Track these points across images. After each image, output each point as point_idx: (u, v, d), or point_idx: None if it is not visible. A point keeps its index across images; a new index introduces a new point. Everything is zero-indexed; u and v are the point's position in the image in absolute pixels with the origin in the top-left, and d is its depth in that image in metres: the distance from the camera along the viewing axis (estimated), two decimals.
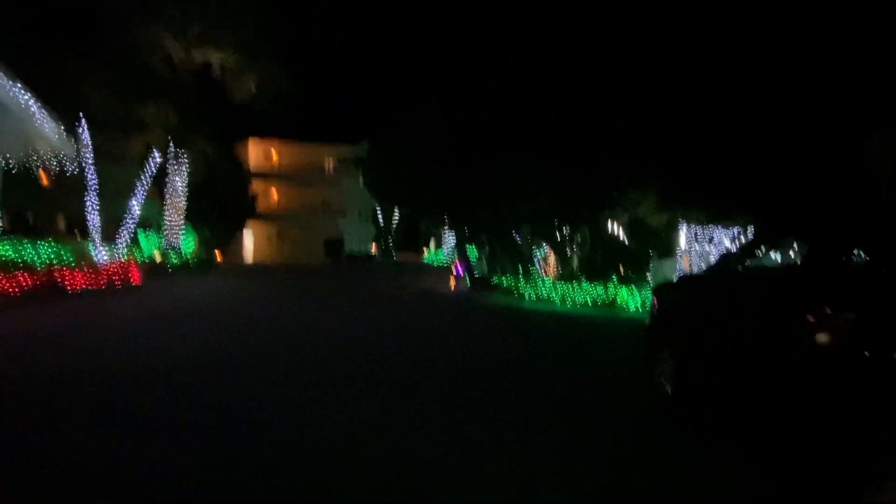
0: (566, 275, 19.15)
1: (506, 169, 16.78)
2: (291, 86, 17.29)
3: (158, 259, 15.00)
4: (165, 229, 16.81)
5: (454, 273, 21.19)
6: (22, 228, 23.54)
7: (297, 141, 32.65)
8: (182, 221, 17.21)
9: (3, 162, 11.62)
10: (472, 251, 25.04)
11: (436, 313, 13.13)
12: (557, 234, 20.32)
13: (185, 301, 11.65)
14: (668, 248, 21.71)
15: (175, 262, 15.39)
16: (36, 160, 11.89)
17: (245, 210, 29.11)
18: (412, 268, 36.87)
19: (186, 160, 16.96)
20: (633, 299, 17.18)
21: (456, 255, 23.73)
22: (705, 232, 22.62)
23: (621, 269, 19.78)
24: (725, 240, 23.08)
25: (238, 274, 20.57)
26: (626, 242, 21.18)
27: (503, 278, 18.92)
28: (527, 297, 17.53)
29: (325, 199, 33.82)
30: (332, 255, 31.57)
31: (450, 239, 45.24)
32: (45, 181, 23.29)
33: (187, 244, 18.27)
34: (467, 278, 20.71)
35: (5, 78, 10.19)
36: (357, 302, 14.22)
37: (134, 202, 13.88)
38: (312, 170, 33.20)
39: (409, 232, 61.67)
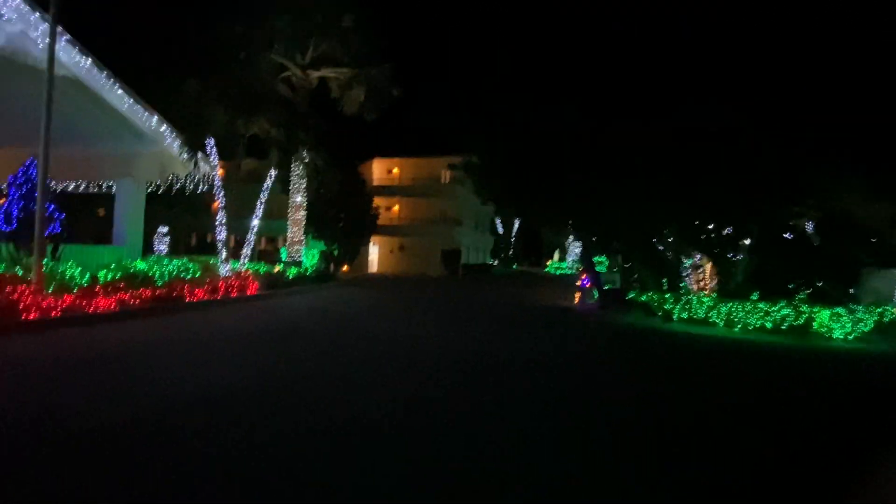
0: (731, 289, 14.80)
1: (646, 156, 13.61)
2: (399, 92, 16.75)
3: (276, 270, 15.54)
4: (288, 244, 17.57)
5: (579, 285, 18.28)
6: (185, 247, 27.85)
7: (416, 156, 33.20)
8: (302, 236, 17.82)
9: (148, 185, 12.93)
10: (601, 261, 21.66)
11: (552, 337, 10.77)
12: (715, 236, 16.00)
13: (287, 311, 11.42)
14: (887, 253, 15.49)
15: (291, 274, 15.77)
16: (174, 182, 13.02)
17: (369, 224, 30.22)
18: (532, 279, 34.35)
19: (304, 177, 17.55)
20: (841, 324, 12.28)
21: (581, 266, 20.66)
22: None
23: (814, 283, 14.58)
24: None
25: (354, 285, 20.80)
26: (817, 245, 15.69)
27: (643, 294, 15.44)
28: (675, 316, 13.89)
29: (443, 210, 33.59)
30: (449, 266, 30.90)
31: (575, 248, 41.45)
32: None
33: (310, 257, 19.02)
34: (595, 292, 17.62)
35: (143, 110, 11.18)
36: (459, 318, 12.61)
37: (255, 219, 14.49)
38: (430, 182, 33.37)
39: (529, 241, 59.13)
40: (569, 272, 38.83)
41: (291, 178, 17.31)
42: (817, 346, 11.02)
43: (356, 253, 28.56)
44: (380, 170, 35.06)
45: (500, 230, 51.62)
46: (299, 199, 17.38)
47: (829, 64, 11.86)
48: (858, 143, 12.64)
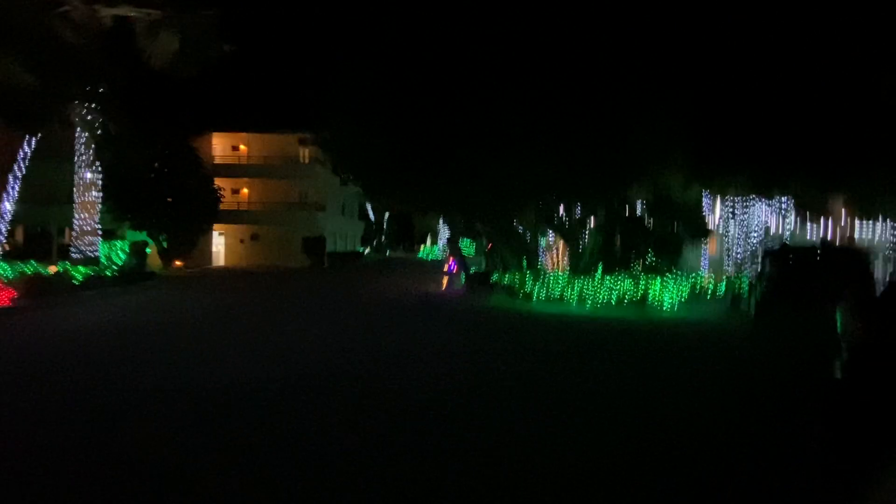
0: (581, 266, 15.66)
1: (502, 139, 13.32)
2: (230, 48, 13.74)
3: (52, 270, 11.57)
4: (75, 234, 13.35)
5: (446, 271, 17.78)
6: None
7: (266, 131, 29.11)
8: (95, 224, 13.73)
9: None
10: (468, 245, 21.58)
11: (407, 325, 9.75)
12: (566, 216, 16.81)
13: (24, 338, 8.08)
14: (699, 229, 18.11)
15: (80, 274, 11.89)
16: None
17: (210, 210, 25.78)
18: (404, 265, 33.56)
19: (91, 149, 13.34)
20: (668, 294, 13.69)
21: (448, 250, 20.28)
22: (745, 208, 18.91)
23: (647, 257, 16.26)
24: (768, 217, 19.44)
25: (184, 284, 17.14)
26: (649, 224, 17.62)
27: (505, 275, 15.43)
28: (535, 296, 14.09)
29: (303, 193, 30.34)
30: (312, 256, 28.13)
31: (445, 232, 42.08)
32: None
33: (115, 251, 14.93)
34: (462, 276, 17.29)
35: None
36: (315, 311, 10.82)
37: (5, 201, 10.42)
38: (286, 161, 29.68)
39: (402, 227, 58.36)
40: (441, 257, 39.10)
41: (76, 148, 13.10)
42: (653, 317, 11.99)
43: (193, 244, 24.14)
44: (222, 146, 30.15)
45: (372, 215, 49.76)
46: (88, 175, 13.26)
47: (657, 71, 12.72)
48: (678, 138, 14.06)
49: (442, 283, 17.52)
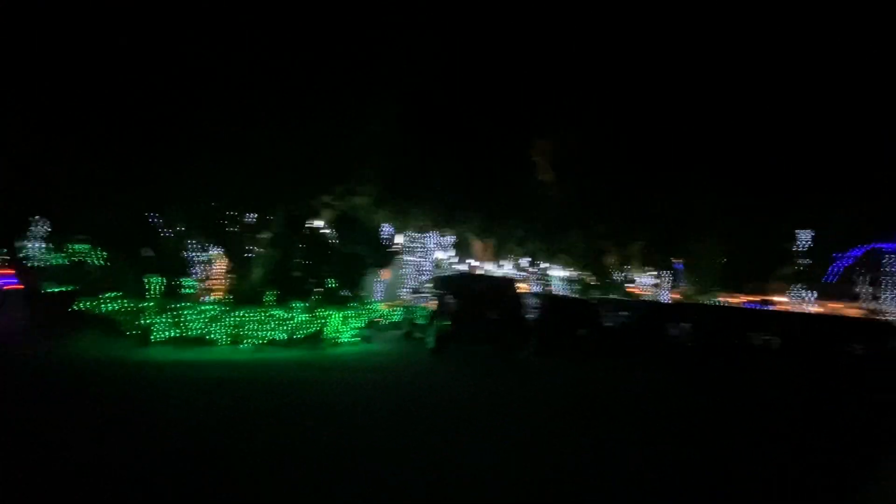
0: (246, 291, 11.45)
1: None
2: None
3: None
4: None
5: None
6: None
7: None
8: None
9: None
10: (53, 253, 13.33)
11: None
12: (232, 226, 12.39)
13: None
14: (384, 255, 17.39)
15: None
16: None
17: None
18: None
19: None
20: (348, 326, 11.43)
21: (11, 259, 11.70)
22: (420, 239, 19.75)
23: (326, 283, 13.76)
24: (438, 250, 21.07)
25: None
26: (333, 244, 15.43)
27: (114, 301, 9.31)
28: (158, 335, 8.97)
29: None
30: None
31: (40, 229, 28.07)
32: None
33: None
34: (27, 304, 9.90)
35: None
36: None
37: None
38: None
39: None
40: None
41: None
42: (328, 358, 9.31)
43: None
44: None
45: None
46: None
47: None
48: (374, 154, 12.80)
49: None
